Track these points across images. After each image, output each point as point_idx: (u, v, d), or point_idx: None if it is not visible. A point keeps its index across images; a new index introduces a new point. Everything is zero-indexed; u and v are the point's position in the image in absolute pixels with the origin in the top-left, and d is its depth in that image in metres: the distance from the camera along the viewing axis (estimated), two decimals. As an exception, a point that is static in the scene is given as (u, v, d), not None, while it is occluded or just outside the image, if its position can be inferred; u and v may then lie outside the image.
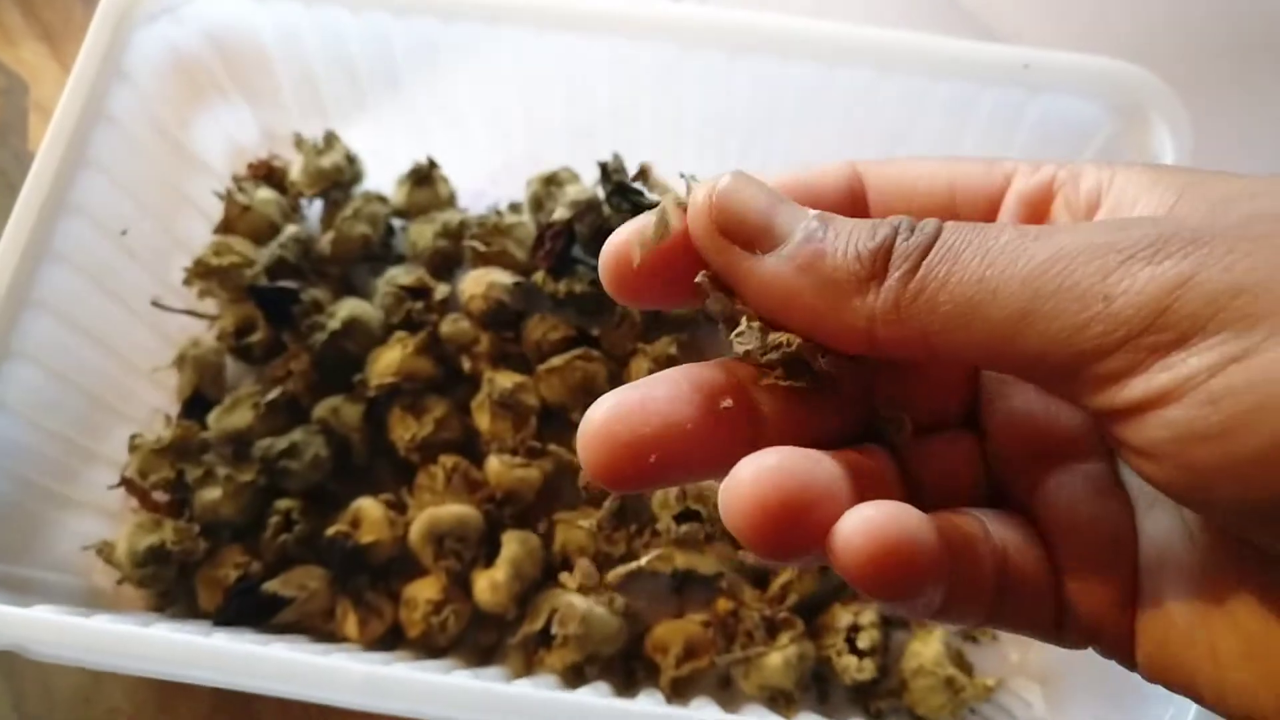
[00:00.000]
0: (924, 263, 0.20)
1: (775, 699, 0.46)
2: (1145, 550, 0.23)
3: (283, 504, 0.49)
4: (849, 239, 0.21)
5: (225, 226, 0.55)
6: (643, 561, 0.47)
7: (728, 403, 0.22)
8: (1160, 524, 0.23)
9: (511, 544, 0.48)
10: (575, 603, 0.46)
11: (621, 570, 0.48)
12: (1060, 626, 0.23)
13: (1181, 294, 0.18)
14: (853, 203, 0.25)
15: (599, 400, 0.21)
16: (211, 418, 0.51)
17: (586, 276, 0.52)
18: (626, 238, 0.23)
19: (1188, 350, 0.18)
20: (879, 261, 0.20)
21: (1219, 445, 0.18)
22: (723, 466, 0.21)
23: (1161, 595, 0.22)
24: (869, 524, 0.19)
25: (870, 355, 0.21)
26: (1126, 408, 0.19)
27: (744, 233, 0.21)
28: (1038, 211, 0.25)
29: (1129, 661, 0.23)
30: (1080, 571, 0.23)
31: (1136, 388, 0.19)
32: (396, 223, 0.56)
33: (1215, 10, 0.63)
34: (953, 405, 0.25)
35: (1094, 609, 0.23)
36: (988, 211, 0.25)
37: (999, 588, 0.23)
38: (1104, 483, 0.24)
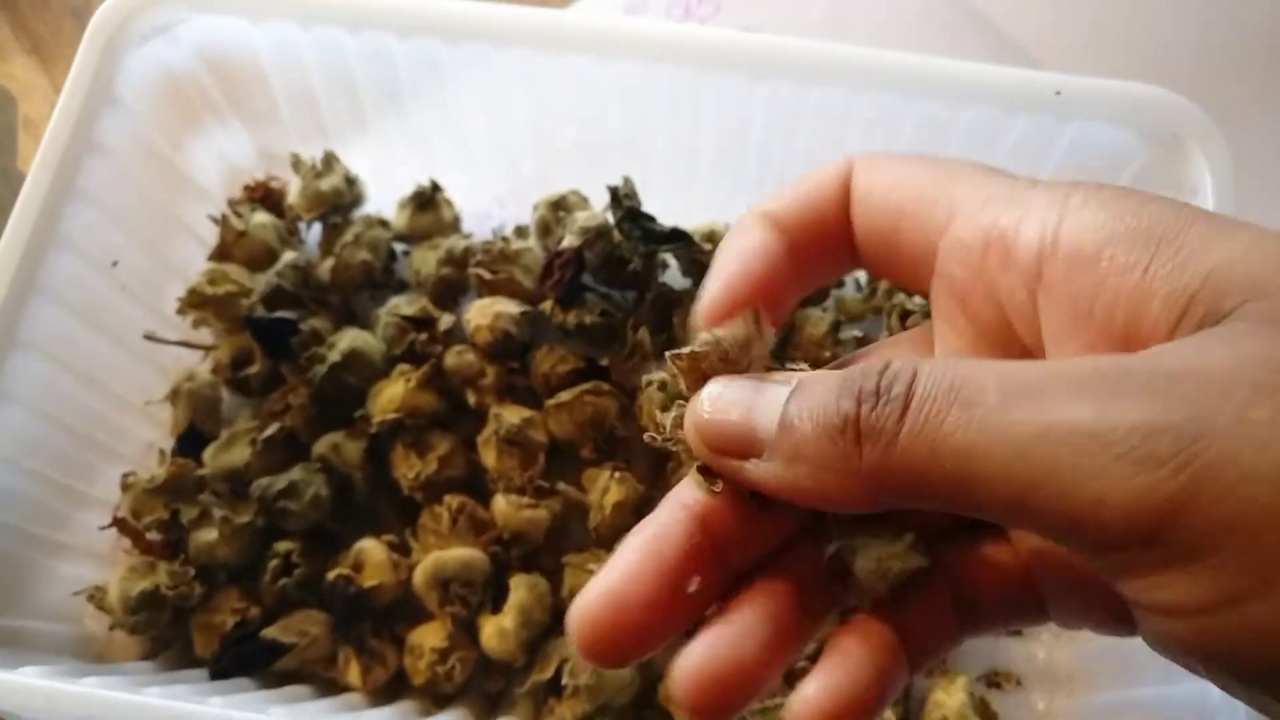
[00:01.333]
0: (901, 435, 0.20)
1: (794, 751, 0.45)
2: None
3: (282, 545, 0.47)
4: (817, 417, 0.21)
5: (220, 253, 0.53)
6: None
7: (695, 585, 0.23)
8: None
9: (520, 589, 0.46)
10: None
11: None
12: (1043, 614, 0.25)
13: (1175, 518, 0.17)
14: (847, 207, 0.26)
15: (579, 600, 0.23)
16: (207, 454, 0.49)
17: (597, 306, 0.50)
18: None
19: (1183, 574, 0.17)
20: (849, 437, 0.20)
21: (1219, 659, 0.18)
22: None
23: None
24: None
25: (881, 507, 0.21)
26: (1130, 595, 0.19)
27: (733, 448, 0.22)
28: (977, 263, 0.24)
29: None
30: (1054, 577, 0.25)
31: (1134, 588, 0.19)
32: (398, 248, 0.54)
33: (1248, 33, 0.61)
34: None
35: (1076, 607, 0.25)
36: (927, 248, 0.25)
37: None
38: None
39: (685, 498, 0.24)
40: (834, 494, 0.21)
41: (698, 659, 0.22)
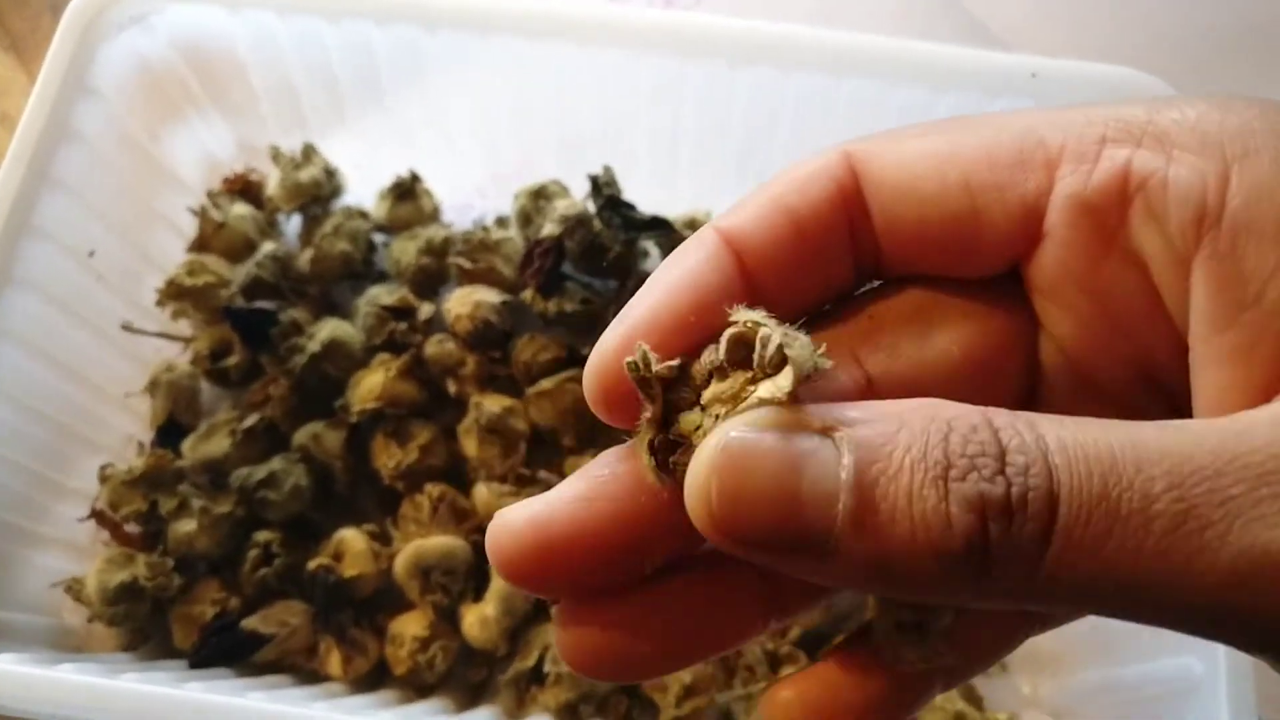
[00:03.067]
0: (1047, 563, 0.15)
1: (778, 737, 0.44)
2: None
3: (261, 536, 0.47)
4: (915, 528, 0.16)
5: (199, 244, 0.52)
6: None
7: (652, 564, 0.20)
8: None
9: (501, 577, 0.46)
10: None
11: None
12: None
13: None
14: (846, 210, 0.20)
15: (508, 511, 0.20)
16: (186, 446, 0.49)
17: (577, 295, 0.50)
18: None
19: None
20: (974, 566, 0.16)
21: None
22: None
23: None
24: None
25: None
26: None
27: (775, 548, 0.17)
28: (1108, 222, 0.19)
29: None
30: None
31: None
32: (378, 238, 0.54)
33: (1225, 15, 0.61)
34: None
35: None
36: (1023, 222, 0.19)
37: None
38: None
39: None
40: (942, 602, 0.18)
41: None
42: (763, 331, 0.18)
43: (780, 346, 0.17)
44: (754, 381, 0.18)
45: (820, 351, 0.17)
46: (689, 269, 0.20)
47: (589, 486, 0.20)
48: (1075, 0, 0.63)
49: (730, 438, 0.17)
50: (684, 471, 0.18)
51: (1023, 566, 0.16)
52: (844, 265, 0.21)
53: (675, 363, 0.19)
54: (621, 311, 0.20)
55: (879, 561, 0.16)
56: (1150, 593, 0.15)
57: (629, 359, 0.19)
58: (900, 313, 0.21)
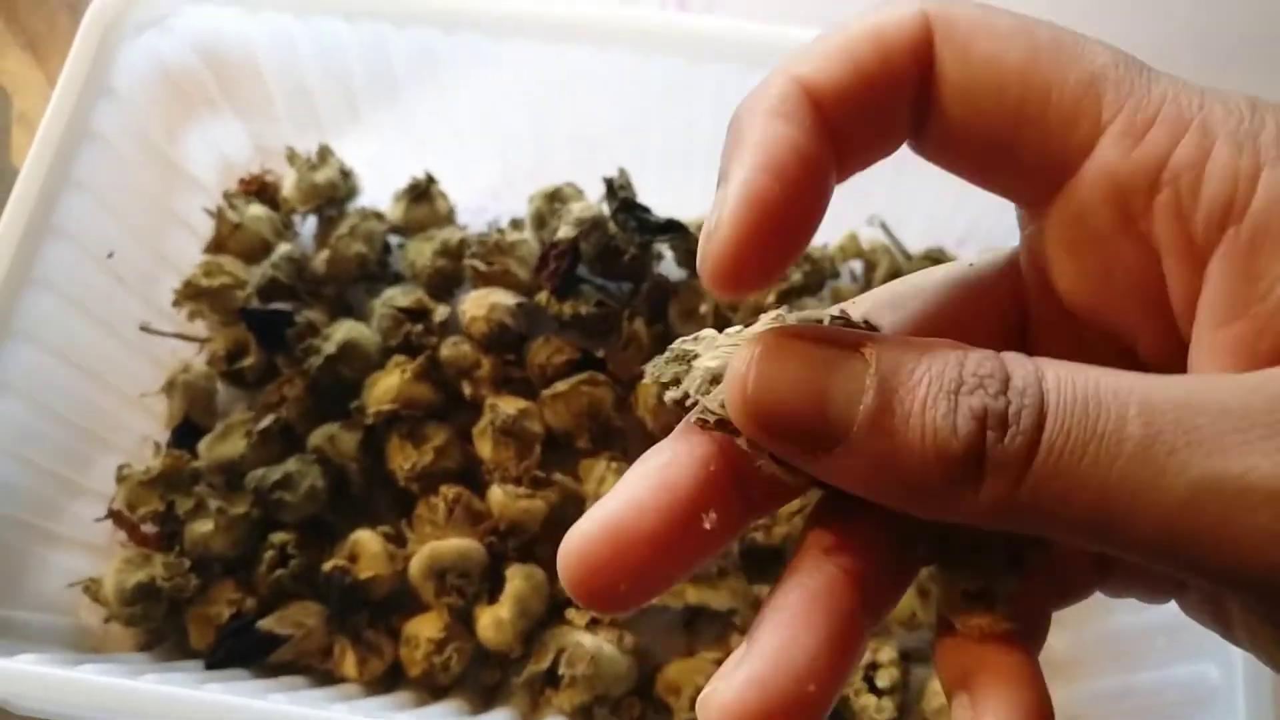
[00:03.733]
0: (1031, 472, 0.17)
1: (792, 740, 0.45)
2: None
3: (277, 537, 0.47)
4: (925, 431, 0.17)
5: (216, 245, 0.52)
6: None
7: (711, 520, 0.20)
8: None
9: (516, 579, 0.46)
10: (584, 641, 0.45)
11: (631, 607, 0.46)
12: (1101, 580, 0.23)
13: None
14: (918, 77, 0.20)
15: (572, 531, 0.20)
16: (202, 446, 0.49)
17: (592, 296, 0.50)
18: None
19: None
20: (970, 462, 0.17)
21: None
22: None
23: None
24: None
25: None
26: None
27: (797, 435, 0.18)
28: (1128, 208, 0.19)
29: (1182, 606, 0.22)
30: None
31: None
32: (393, 240, 0.54)
33: (1235, 28, 0.61)
34: None
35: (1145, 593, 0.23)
36: (1061, 159, 0.19)
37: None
38: None
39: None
40: (933, 513, 0.18)
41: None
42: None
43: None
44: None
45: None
46: (786, 143, 0.19)
47: (645, 488, 0.20)
48: (1075, 13, 0.63)
49: (771, 337, 0.19)
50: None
51: (1010, 474, 0.17)
52: (901, 127, 0.21)
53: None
54: (731, 183, 0.19)
55: (888, 460, 0.17)
56: (1115, 512, 0.16)
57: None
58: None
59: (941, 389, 0.17)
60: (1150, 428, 0.16)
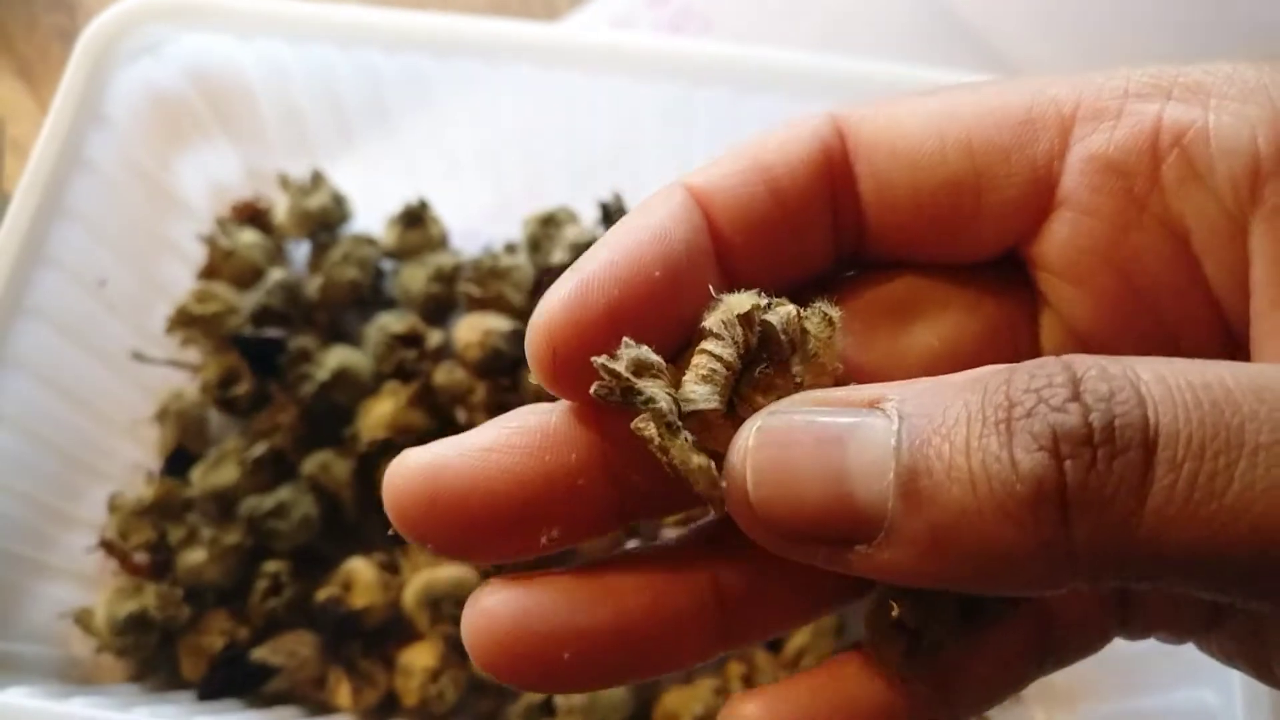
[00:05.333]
0: (1147, 509, 0.12)
1: (791, 769, 0.44)
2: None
3: (270, 566, 0.47)
4: (975, 482, 0.13)
5: (208, 272, 0.52)
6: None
7: (552, 535, 0.18)
8: None
9: (512, 607, 0.46)
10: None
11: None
12: (1122, 627, 0.20)
13: None
14: (830, 178, 0.18)
15: (407, 452, 0.18)
16: (195, 475, 0.48)
17: (587, 322, 0.50)
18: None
19: None
20: (1049, 511, 0.13)
21: None
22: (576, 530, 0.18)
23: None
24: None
25: None
26: None
27: (824, 535, 0.15)
28: (1132, 190, 0.16)
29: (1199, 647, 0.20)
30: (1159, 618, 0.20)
31: None
32: (386, 265, 0.54)
33: (1235, 44, 0.61)
34: None
35: (1167, 619, 0.20)
36: (1032, 189, 0.17)
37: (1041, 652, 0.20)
38: None
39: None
40: (1015, 586, 0.14)
41: (492, 603, 0.18)
42: (783, 311, 0.17)
43: (801, 326, 0.16)
44: (773, 367, 0.17)
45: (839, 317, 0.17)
46: (656, 222, 0.18)
47: (494, 437, 0.18)
48: (1082, 23, 0.64)
49: (766, 420, 0.15)
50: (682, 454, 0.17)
51: (1114, 514, 0.12)
52: (822, 241, 0.19)
53: (646, 357, 0.17)
54: (575, 263, 0.18)
55: (937, 534, 0.13)
56: (1266, 545, 0.12)
57: (596, 387, 0.17)
58: (876, 302, 0.19)
59: (986, 421, 0.13)
60: (1272, 442, 0.12)
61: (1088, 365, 0.13)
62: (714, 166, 0.19)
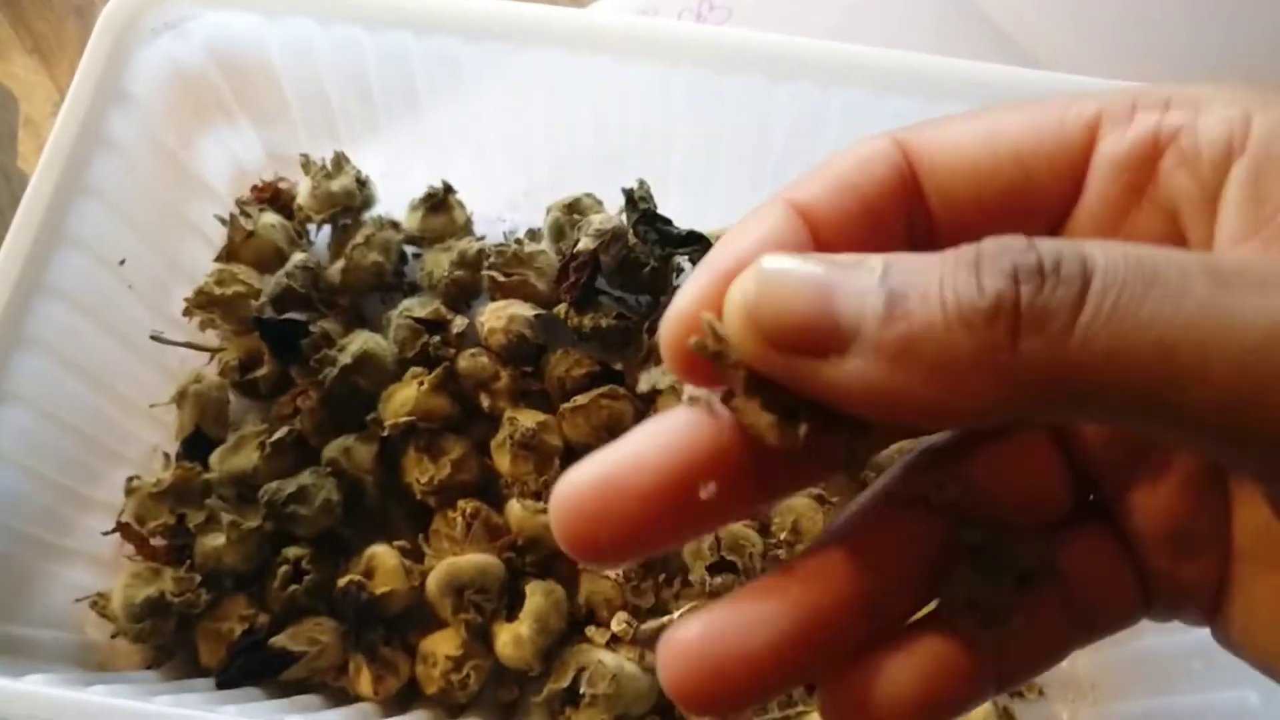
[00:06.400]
0: (1080, 321, 0.15)
1: (816, 762, 0.44)
2: (1240, 541, 0.21)
3: (291, 551, 0.46)
4: (945, 300, 0.16)
5: (228, 254, 0.52)
6: (674, 616, 0.45)
7: (709, 490, 0.19)
8: (1259, 515, 0.21)
9: (535, 595, 0.45)
10: (605, 660, 0.44)
11: (652, 625, 0.45)
12: (1146, 607, 0.22)
13: None
14: (905, 192, 0.21)
15: (565, 476, 0.19)
16: (214, 458, 0.48)
17: (612, 309, 0.50)
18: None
19: None
20: (1005, 324, 0.16)
21: None
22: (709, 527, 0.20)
23: (1252, 583, 0.21)
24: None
25: (1011, 418, 0.17)
26: None
27: (804, 341, 0.17)
28: (1139, 178, 0.20)
29: (1214, 633, 0.22)
30: (1171, 571, 0.22)
31: None
32: (410, 250, 0.53)
33: (1262, 36, 0.61)
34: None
35: (1181, 598, 0.22)
36: (1070, 183, 0.21)
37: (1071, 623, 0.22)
38: (1198, 478, 0.21)
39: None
40: (958, 402, 0.16)
41: (692, 637, 0.19)
42: None
43: None
44: None
45: None
46: (768, 231, 0.20)
47: (640, 435, 0.19)
48: (1104, 16, 0.63)
49: (766, 260, 0.18)
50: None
51: (1054, 327, 0.15)
52: (901, 247, 0.21)
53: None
54: (698, 267, 0.19)
55: (905, 344, 0.16)
56: (1181, 363, 0.15)
57: (694, 340, 0.18)
58: None
59: (960, 263, 0.16)
60: (1218, 280, 0.15)
61: (1045, 241, 0.17)
62: (807, 184, 0.21)
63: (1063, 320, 0.15)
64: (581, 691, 0.43)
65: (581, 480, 0.19)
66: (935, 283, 0.16)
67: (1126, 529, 0.22)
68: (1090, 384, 0.16)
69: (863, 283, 0.17)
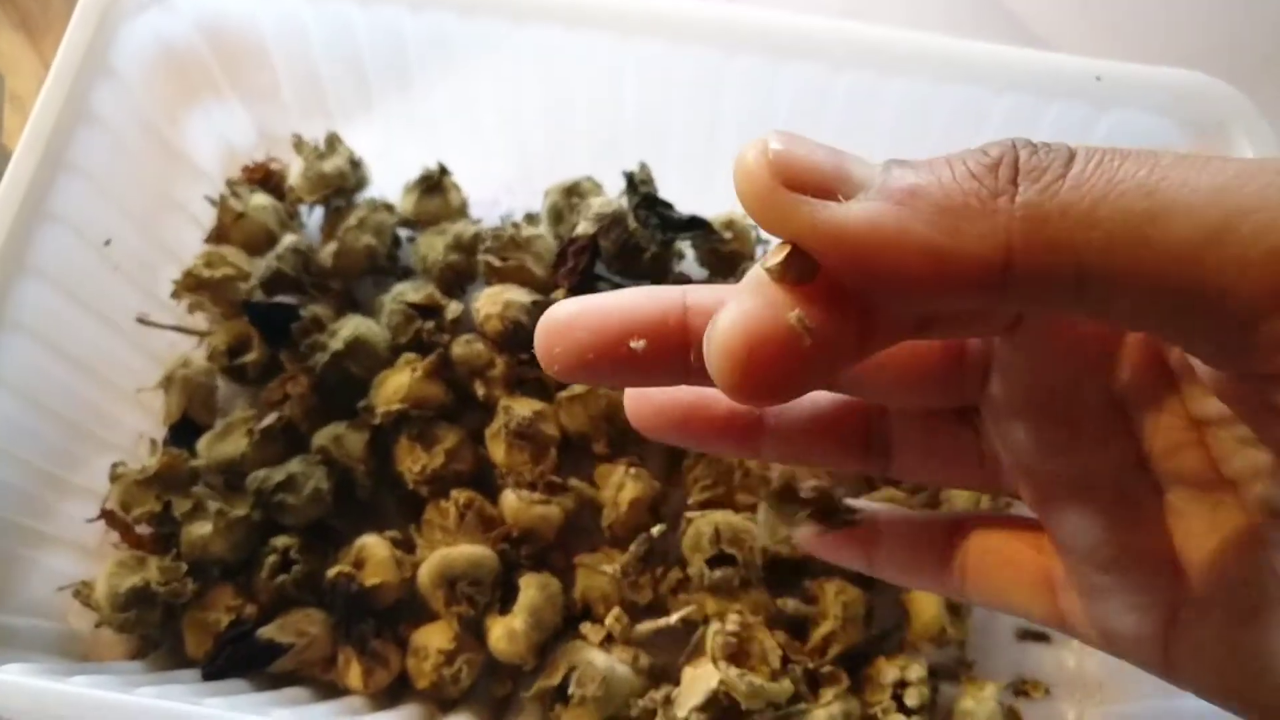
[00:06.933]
0: (1070, 173, 0.16)
1: (816, 761, 0.43)
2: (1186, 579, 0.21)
3: (279, 541, 0.45)
4: (951, 163, 0.17)
5: (218, 235, 0.50)
6: (673, 619, 0.44)
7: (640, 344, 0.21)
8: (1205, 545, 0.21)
9: (530, 589, 0.44)
10: (596, 661, 0.43)
11: (649, 627, 0.44)
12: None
13: None
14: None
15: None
16: (201, 445, 0.47)
17: (611, 296, 0.48)
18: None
19: None
20: (1005, 173, 0.17)
21: None
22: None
23: (1200, 625, 0.21)
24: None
25: (1000, 299, 0.17)
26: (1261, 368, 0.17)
27: (815, 180, 0.17)
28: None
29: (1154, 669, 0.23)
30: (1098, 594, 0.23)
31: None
32: (403, 233, 0.52)
33: (1272, 15, 0.59)
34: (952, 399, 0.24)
35: (1126, 638, 0.23)
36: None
37: None
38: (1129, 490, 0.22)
39: None
40: (959, 245, 0.16)
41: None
42: None
43: None
44: None
45: None
46: None
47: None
48: (1125, 5, 0.62)
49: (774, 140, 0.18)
50: None
51: (1048, 176, 0.16)
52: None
53: None
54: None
55: (913, 190, 0.17)
56: (1172, 212, 0.16)
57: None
58: None
59: (970, 150, 0.18)
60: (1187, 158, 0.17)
61: None
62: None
63: (1056, 171, 0.17)
64: (571, 692, 0.42)
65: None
66: (944, 158, 0.17)
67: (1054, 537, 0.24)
68: (1075, 232, 0.16)
69: (875, 164, 0.18)
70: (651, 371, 0.21)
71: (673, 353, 0.21)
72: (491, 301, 0.48)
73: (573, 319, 0.21)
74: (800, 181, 0.17)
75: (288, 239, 0.49)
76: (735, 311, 0.18)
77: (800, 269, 0.18)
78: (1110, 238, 0.16)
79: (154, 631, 0.45)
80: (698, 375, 0.20)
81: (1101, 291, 0.16)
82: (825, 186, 0.17)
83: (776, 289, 0.18)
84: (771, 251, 0.18)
